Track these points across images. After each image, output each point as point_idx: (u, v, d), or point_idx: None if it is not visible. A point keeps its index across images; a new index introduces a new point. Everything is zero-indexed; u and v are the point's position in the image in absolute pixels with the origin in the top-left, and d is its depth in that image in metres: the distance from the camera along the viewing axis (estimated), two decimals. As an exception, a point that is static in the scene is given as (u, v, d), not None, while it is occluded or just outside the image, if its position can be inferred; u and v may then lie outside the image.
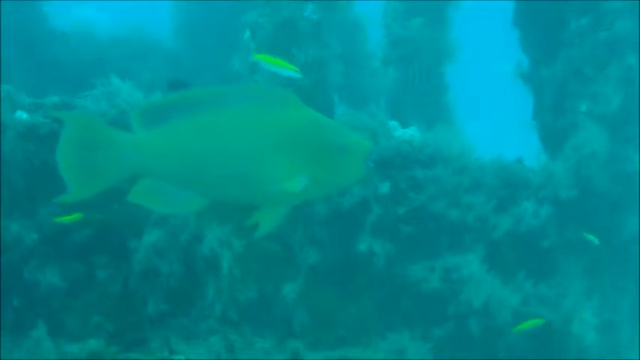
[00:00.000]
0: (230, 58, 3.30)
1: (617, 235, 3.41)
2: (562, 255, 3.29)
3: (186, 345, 2.68)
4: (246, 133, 2.02)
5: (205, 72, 5.86)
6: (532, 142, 3.82)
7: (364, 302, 3.07)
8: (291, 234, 2.94)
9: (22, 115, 2.43)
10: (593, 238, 3.18)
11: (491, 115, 10.13)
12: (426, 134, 3.15)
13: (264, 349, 2.71)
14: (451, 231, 3.18)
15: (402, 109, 4.59)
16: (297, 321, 2.92)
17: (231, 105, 2.02)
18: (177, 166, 2.01)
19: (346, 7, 5.11)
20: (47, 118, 2.47)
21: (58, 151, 1.96)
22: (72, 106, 2.55)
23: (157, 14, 6.62)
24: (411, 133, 3.12)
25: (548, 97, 3.47)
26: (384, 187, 3.04)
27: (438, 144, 3.14)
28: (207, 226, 2.76)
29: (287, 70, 2.20)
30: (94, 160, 1.97)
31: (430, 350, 2.99)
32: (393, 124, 3.12)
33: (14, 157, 2.43)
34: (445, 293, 3.11)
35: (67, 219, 2.45)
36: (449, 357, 3.08)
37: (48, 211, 2.50)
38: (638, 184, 3.33)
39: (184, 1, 6.39)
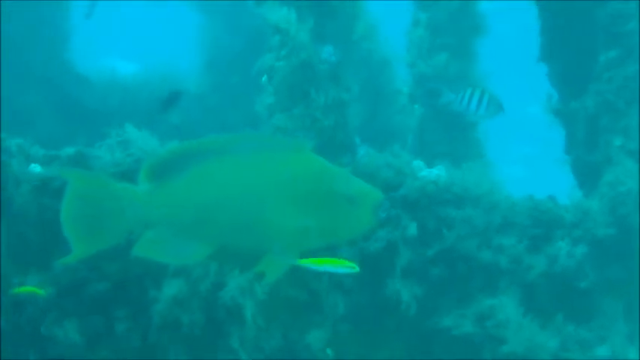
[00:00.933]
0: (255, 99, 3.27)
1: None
2: (601, 296, 3.16)
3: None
4: (253, 183, 2.01)
5: (231, 113, 5.86)
6: (565, 179, 3.72)
7: (394, 348, 2.97)
8: (315, 280, 2.86)
9: (36, 168, 2.39)
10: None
11: (524, 152, 10.03)
12: (453, 173, 3.06)
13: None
14: (483, 273, 3.08)
15: (429, 146, 4.52)
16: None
17: (239, 154, 2.01)
18: (183, 217, 2.00)
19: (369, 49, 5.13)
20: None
21: (62, 209, 1.95)
22: (87, 157, 2.51)
23: (182, 58, 6.66)
24: (436, 172, 3.05)
25: (580, 132, 3.37)
26: (412, 229, 2.96)
27: (466, 183, 3.06)
28: (228, 274, 2.68)
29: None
30: (98, 216, 1.96)
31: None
32: (418, 163, 3.05)
33: (28, 212, 2.38)
34: (478, 338, 3.00)
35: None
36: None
37: (64, 265, 2.44)
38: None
39: (209, 42, 6.41)
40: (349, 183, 2.08)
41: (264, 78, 2.86)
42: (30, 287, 2.49)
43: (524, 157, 10.04)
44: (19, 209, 2.39)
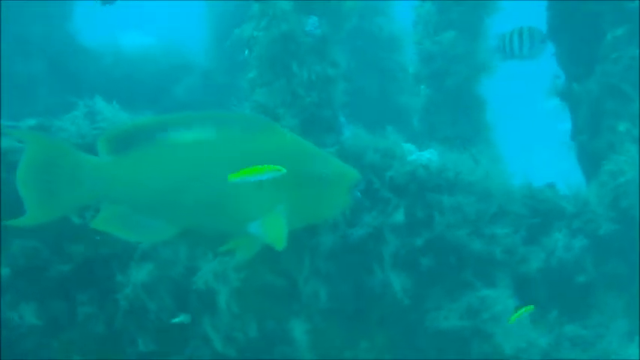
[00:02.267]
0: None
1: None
2: (600, 291, 3.00)
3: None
4: (221, 161, 1.94)
5: (238, 90, 5.73)
6: (571, 166, 3.56)
7: (376, 341, 2.83)
8: (295, 267, 2.72)
9: (-13, 140, 2.27)
10: None
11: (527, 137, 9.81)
12: (446, 157, 2.90)
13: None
14: (475, 263, 2.93)
15: (435, 128, 4.36)
16: (303, 361, 2.71)
17: (206, 131, 1.95)
18: (144, 193, 1.94)
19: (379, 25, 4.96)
20: (22, 142, 2.30)
21: (18, 171, 1.89)
22: (50, 128, 2.38)
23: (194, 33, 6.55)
24: (428, 156, 2.90)
25: (583, 116, 3.19)
26: (399, 216, 2.81)
27: (458, 168, 2.90)
28: (201, 257, 2.55)
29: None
30: (55, 182, 1.90)
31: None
32: (409, 146, 2.89)
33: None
34: (467, 332, 2.85)
35: None
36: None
37: (22, 243, 2.31)
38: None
39: (216, 18, 6.29)
40: (323, 162, 2.04)
41: (246, 52, 2.71)
42: None
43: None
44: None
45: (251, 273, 2.68)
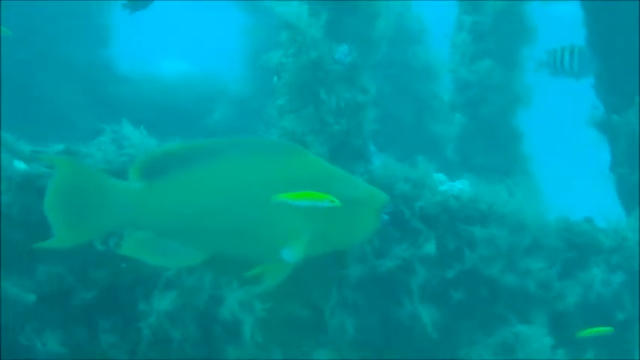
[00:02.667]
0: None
1: None
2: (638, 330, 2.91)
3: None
4: (248, 187, 1.98)
5: (268, 117, 5.73)
6: (610, 199, 3.47)
7: (405, 376, 2.77)
8: (321, 297, 2.67)
9: (20, 164, 2.26)
10: None
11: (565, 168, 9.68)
12: (479, 188, 2.84)
13: None
14: (508, 298, 2.85)
15: (470, 157, 4.30)
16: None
17: (235, 156, 1.98)
18: (173, 219, 1.97)
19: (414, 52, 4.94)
20: (49, 167, 2.29)
21: (47, 194, 1.93)
22: (77, 154, 2.38)
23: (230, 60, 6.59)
24: (459, 187, 2.84)
25: (623, 149, 3.12)
26: (430, 247, 2.75)
27: (492, 199, 2.83)
28: (226, 286, 2.52)
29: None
30: (83, 207, 1.93)
31: None
32: (440, 176, 2.84)
33: (10, 211, 2.25)
34: (500, 369, 2.78)
35: None
36: None
37: (47, 270, 2.30)
38: None
39: (252, 45, 6.31)
40: (351, 185, 2.07)
41: (275, 78, 2.69)
42: None
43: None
44: (2, 207, 2.25)
45: (277, 303, 2.63)
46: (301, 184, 2.00)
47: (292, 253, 2.06)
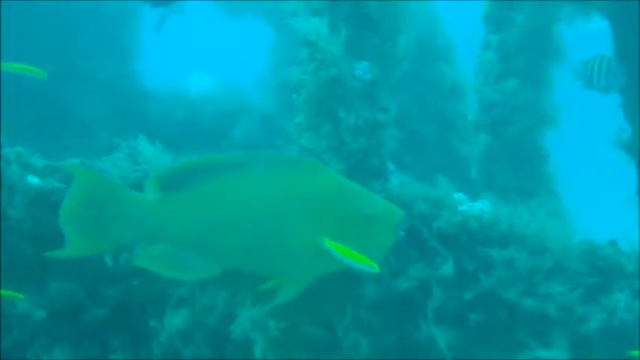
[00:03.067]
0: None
1: None
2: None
3: None
4: (265, 201, 1.98)
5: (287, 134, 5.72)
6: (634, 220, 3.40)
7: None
8: (336, 317, 2.64)
9: (34, 179, 2.26)
10: None
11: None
12: (500, 209, 2.79)
13: None
14: (527, 322, 2.80)
15: (494, 177, 4.26)
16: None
17: (252, 171, 1.98)
18: (189, 232, 1.97)
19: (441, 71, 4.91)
20: (62, 182, 2.28)
21: (63, 204, 1.92)
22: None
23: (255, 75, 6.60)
24: (480, 207, 2.79)
25: (649, 170, 3.06)
26: (447, 268, 2.70)
27: (513, 220, 2.78)
28: (240, 304, 2.49)
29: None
30: (100, 218, 1.93)
31: None
32: (459, 196, 2.80)
33: (22, 226, 2.25)
34: (520, 395, 2.72)
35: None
36: None
37: (60, 286, 2.29)
38: None
39: (278, 61, 6.32)
40: (368, 201, 2.06)
41: (294, 95, 2.67)
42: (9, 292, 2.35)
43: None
44: (12, 222, 2.25)
45: (290, 322, 2.61)
46: (319, 199, 2.01)
47: (301, 275, 2.06)
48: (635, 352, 2.68)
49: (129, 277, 2.37)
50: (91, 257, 2.39)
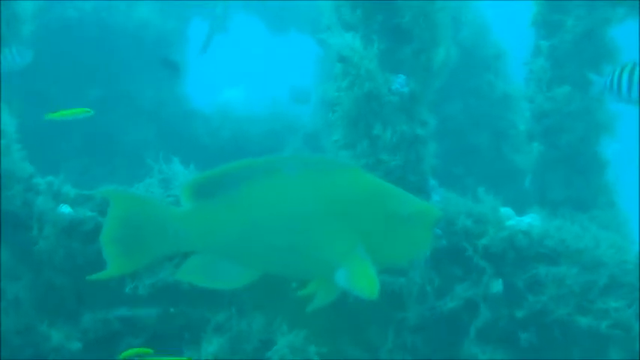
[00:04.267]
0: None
1: None
2: None
3: None
4: (300, 204, 1.99)
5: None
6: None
7: None
8: (379, 340, 2.60)
9: (66, 209, 2.28)
10: None
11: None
12: (550, 223, 2.72)
13: None
14: (582, 340, 2.72)
15: (548, 188, 4.17)
16: None
17: (286, 174, 1.98)
18: (227, 239, 2.00)
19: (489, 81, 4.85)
20: (94, 211, 2.30)
21: (104, 227, 1.99)
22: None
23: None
24: (528, 221, 2.73)
25: None
26: (496, 286, 2.64)
27: (563, 235, 2.71)
28: (277, 330, 2.47)
29: None
30: (139, 236, 1.98)
31: None
32: (506, 211, 2.74)
33: (54, 256, 2.27)
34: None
35: None
36: None
37: (94, 317, 2.30)
38: None
39: (325, 78, 6.30)
40: (403, 201, 2.04)
41: (330, 114, 2.65)
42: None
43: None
44: (43, 253, 2.26)
45: (332, 347, 2.57)
46: (354, 202, 2.01)
47: (349, 278, 1.98)
48: None
49: (165, 305, 2.36)
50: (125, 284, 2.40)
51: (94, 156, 5.53)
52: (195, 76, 6.52)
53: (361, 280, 1.95)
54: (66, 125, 5.35)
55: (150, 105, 5.97)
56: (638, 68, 3.06)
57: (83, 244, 2.19)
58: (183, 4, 6.02)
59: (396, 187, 2.10)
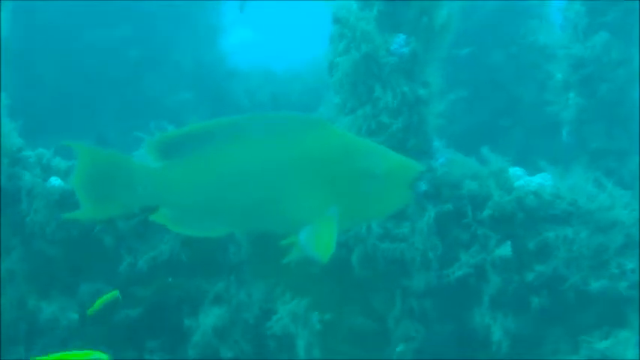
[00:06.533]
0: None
1: None
2: None
3: None
4: (269, 162, 1.99)
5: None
6: None
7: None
8: (384, 307, 2.59)
9: (56, 181, 2.31)
10: None
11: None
12: (562, 183, 2.66)
13: None
14: (598, 303, 2.66)
15: (587, 139, 4.08)
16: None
17: (253, 133, 2.00)
18: (195, 197, 2.03)
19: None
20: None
21: (73, 178, 2.06)
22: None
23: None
24: (538, 181, 2.67)
25: None
26: (504, 250, 2.60)
27: (576, 194, 2.64)
28: (278, 298, 2.49)
29: None
30: (108, 188, 2.04)
31: None
32: (515, 171, 2.68)
33: (45, 229, 2.31)
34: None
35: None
36: None
37: (90, 288, 2.35)
38: None
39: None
40: (379, 158, 2.02)
41: (331, 77, 2.62)
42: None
43: None
44: (34, 226, 2.31)
45: (337, 315, 2.58)
46: (324, 160, 1.99)
47: (309, 237, 1.97)
48: None
49: (163, 276, 2.39)
50: (122, 258, 2.43)
51: (134, 118, 5.58)
52: (234, 35, 6.49)
53: (317, 242, 1.94)
54: (105, 88, 5.43)
55: (188, 66, 5.98)
56: None
57: (74, 212, 2.20)
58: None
59: (371, 143, 2.09)
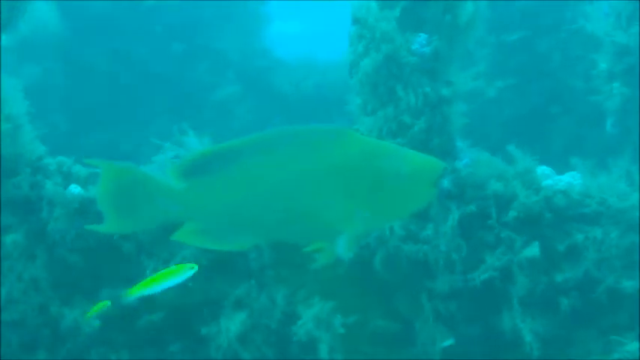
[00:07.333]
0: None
1: None
2: None
3: None
4: (297, 175, 2.03)
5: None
6: None
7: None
8: (408, 310, 2.57)
9: (76, 188, 2.34)
10: None
11: None
12: (591, 182, 2.60)
13: None
14: (630, 304, 2.60)
15: (633, 131, 3.99)
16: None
17: (279, 148, 2.03)
18: (221, 214, 2.07)
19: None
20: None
21: (96, 194, 2.11)
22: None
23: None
24: (567, 180, 2.61)
25: None
26: (533, 250, 2.55)
27: (606, 194, 2.58)
28: (302, 302, 2.49)
29: None
30: (132, 206, 2.08)
31: None
32: (543, 170, 2.63)
33: (65, 237, 2.34)
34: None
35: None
36: None
37: (112, 294, 2.38)
38: None
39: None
40: (402, 157, 2.04)
41: (351, 79, 2.61)
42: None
43: None
44: (55, 234, 2.35)
45: (361, 317, 2.57)
46: (351, 166, 2.02)
47: (346, 245, 2.05)
48: None
49: (184, 281, 2.40)
50: (142, 264, 2.45)
51: (180, 112, 5.63)
52: (278, 27, 6.50)
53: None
54: (151, 82, 5.48)
55: (234, 57, 6.00)
56: None
57: (95, 223, 2.22)
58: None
59: (392, 145, 2.13)
